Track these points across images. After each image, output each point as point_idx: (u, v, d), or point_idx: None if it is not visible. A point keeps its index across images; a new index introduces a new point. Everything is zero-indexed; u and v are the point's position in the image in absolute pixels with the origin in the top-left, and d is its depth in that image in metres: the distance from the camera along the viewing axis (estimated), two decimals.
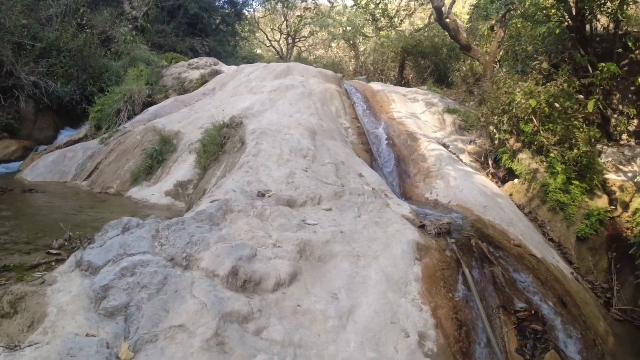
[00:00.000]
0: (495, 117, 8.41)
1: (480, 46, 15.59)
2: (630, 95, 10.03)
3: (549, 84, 8.19)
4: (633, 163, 8.84)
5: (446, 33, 17.93)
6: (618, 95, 10.48)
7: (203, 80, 11.86)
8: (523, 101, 8.06)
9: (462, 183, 7.23)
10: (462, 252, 4.71)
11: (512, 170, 8.46)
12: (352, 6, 19.96)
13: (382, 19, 19.39)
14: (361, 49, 20.06)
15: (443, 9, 14.15)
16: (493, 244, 5.42)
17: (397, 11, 19.82)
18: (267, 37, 28.31)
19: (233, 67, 13.06)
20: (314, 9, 22.17)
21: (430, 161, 7.83)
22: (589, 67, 9.38)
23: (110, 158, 7.86)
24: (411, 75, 18.55)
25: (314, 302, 3.35)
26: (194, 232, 3.56)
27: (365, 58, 19.02)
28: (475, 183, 7.35)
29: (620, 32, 10.76)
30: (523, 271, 5.13)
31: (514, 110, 8.08)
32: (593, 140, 8.16)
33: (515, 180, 8.56)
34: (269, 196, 4.63)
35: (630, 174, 8.53)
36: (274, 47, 28.39)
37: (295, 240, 3.79)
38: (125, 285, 2.98)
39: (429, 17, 20.12)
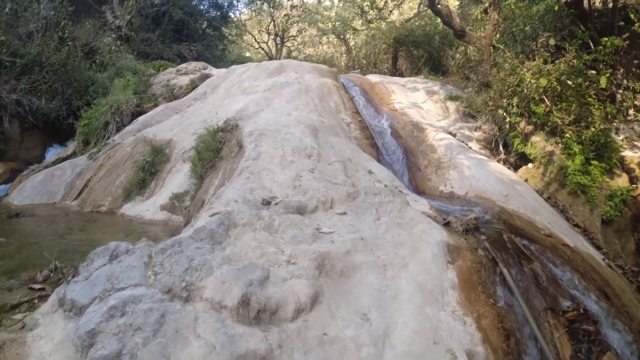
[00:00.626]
0: (505, 100, 7.85)
1: (474, 31, 15.06)
2: (634, 69, 9.50)
3: (557, 61, 7.64)
4: None
5: (438, 20, 17.42)
6: (622, 70, 9.90)
7: (193, 86, 11.27)
8: (533, 81, 7.50)
9: (478, 172, 6.68)
10: (496, 249, 4.15)
11: (525, 154, 7.92)
12: (339, 0, 19.44)
13: (371, 11, 18.85)
14: (352, 43, 19.50)
15: None
16: (524, 236, 4.87)
17: (385, 2, 19.27)
18: (255, 39, 27.70)
19: (223, 70, 12.49)
20: (300, 7, 21.58)
21: (440, 151, 7.28)
22: (591, 43, 8.87)
23: (100, 174, 7.26)
24: (405, 66, 17.97)
25: (342, 327, 2.79)
26: (193, 255, 2.98)
27: (357, 52, 18.44)
28: (490, 171, 6.80)
29: (619, 5, 10.26)
30: (561, 264, 4.58)
31: (525, 91, 7.52)
32: (610, 117, 7.62)
33: (529, 165, 8.02)
34: (276, 204, 4.06)
35: None
36: (263, 49, 27.77)
37: (311, 254, 3.22)
38: (116, 329, 2.41)
39: (419, 6, 19.58)
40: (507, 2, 13.40)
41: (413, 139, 7.66)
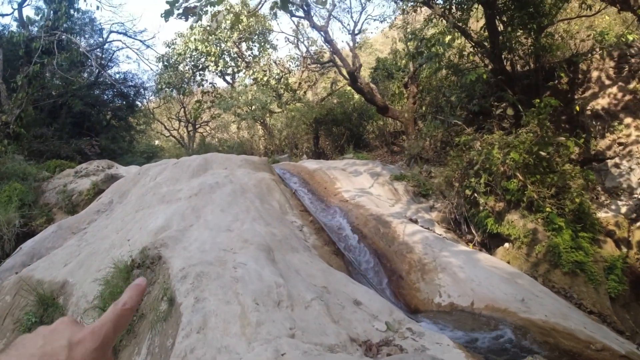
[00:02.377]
0: (472, 180, 6.71)
1: (393, 105, 14.58)
2: (563, 125, 9.14)
3: (520, 130, 6.74)
4: None
5: (355, 97, 16.91)
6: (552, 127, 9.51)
7: (96, 190, 8.98)
8: (499, 156, 6.48)
9: (473, 272, 5.24)
10: None
11: (498, 234, 6.76)
12: (251, 84, 18.38)
13: (286, 93, 17.97)
14: (270, 125, 18.33)
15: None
16: None
17: (299, 84, 18.57)
18: (165, 127, 25.66)
19: (133, 169, 10.33)
20: (212, 93, 20.18)
21: (418, 250, 5.78)
22: (519, 106, 8.32)
23: None
24: (326, 145, 16.99)
25: None
26: None
27: (280, 134, 17.20)
28: (486, 268, 5.39)
29: (537, 65, 10.13)
30: None
31: (494, 167, 6.44)
32: (590, 184, 6.76)
33: (506, 245, 6.83)
34: None
35: (613, 207, 7.27)
36: (174, 137, 25.74)
37: None
38: None
39: (331, 85, 19.11)
40: (435, 74, 13.09)
41: (381, 238, 6.12)
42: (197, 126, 24.32)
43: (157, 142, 28.03)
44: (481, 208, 6.80)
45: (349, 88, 18.03)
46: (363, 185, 8.38)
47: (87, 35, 17.47)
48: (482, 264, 5.46)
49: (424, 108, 12.42)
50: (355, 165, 9.29)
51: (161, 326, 3.26)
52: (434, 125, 11.21)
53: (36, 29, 11.90)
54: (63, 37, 11.47)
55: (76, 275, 5.09)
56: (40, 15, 11.46)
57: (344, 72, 14.85)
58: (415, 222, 7.24)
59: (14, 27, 13.09)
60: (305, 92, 18.95)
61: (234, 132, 23.82)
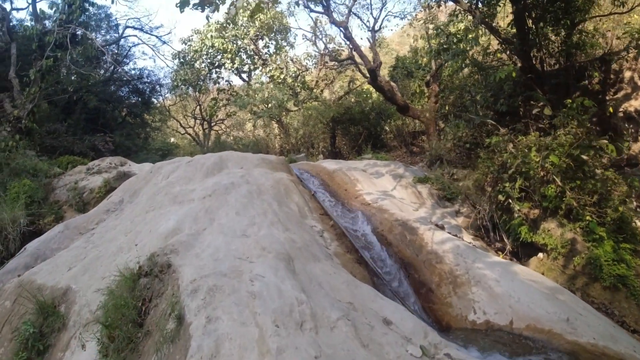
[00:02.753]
0: (507, 184, 6.19)
1: (413, 104, 14.06)
2: (594, 127, 8.52)
3: (559, 132, 6.20)
4: None
5: (374, 96, 16.41)
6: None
7: (108, 188, 8.64)
8: (537, 159, 5.96)
9: (511, 286, 4.74)
10: None
11: (532, 243, 6.22)
12: (268, 82, 18.00)
13: (302, 91, 17.53)
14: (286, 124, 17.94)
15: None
16: None
17: (316, 82, 18.13)
18: (180, 124, 25.44)
19: (147, 166, 9.99)
20: (228, 90, 19.85)
21: (448, 260, 5.30)
22: (548, 107, 7.74)
23: None
24: (343, 145, 16.52)
25: None
26: None
27: (296, 133, 16.78)
28: (524, 281, 4.89)
29: (569, 64, 9.55)
30: None
31: (532, 172, 5.92)
32: (634, 190, 6.19)
33: (541, 255, 6.29)
34: None
35: None
36: (189, 134, 25.50)
37: None
38: None
39: (349, 84, 18.63)
40: (445, 74, 12.55)
41: (408, 246, 5.65)
42: (212, 124, 24.03)
43: (172, 139, 27.86)
44: (515, 215, 6.27)
45: (366, 87, 17.56)
46: (385, 188, 7.91)
47: (103, 31, 17.28)
48: (520, 277, 4.96)
49: (447, 107, 11.87)
50: (377, 167, 8.82)
51: (167, 349, 2.85)
52: (460, 125, 10.68)
53: (50, 23, 11.66)
54: (78, 31, 11.21)
55: (80, 281, 4.72)
56: (54, 9, 11.22)
57: (363, 70, 14.40)
58: (442, 228, 6.75)
59: (28, 22, 12.94)
60: (322, 91, 18.51)
61: (249, 130, 23.48)
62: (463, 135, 10.58)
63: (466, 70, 12.17)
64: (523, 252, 6.57)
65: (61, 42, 10.56)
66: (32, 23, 11.67)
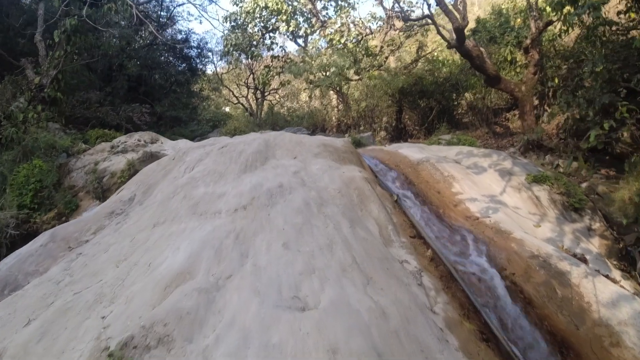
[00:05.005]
0: None
1: (504, 74, 11.20)
2: None
3: None
4: None
5: (445, 65, 13.58)
6: None
7: (132, 172, 6.78)
8: None
9: None
10: None
11: None
12: (326, 48, 15.54)
13: (365, 58, 14.92)
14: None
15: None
16: None
17: (381, 47, 15.41)
18: (233, 93, 23.59)
19: (181, 143, 8.07)
20: (282, 58, 17.60)
21: (630, 341, 2.91)
22: None
23: None
24: (411, 121, 13.90)
25: None
26: None
27: (357, 105, 14.34)
28: None
29: None
30: None
31: None
32: None
33: None
34: None
35: None
36: (242, 104, 23.63)
37: None
38: None
39: (417, 50, 15.77)
40: (545, 39, 9.54)
41: (560, 308, 3.27)
42: (265, 93, 21.95)
43: (226, 109, 26.20)
44: None
45: (437, 54, 14.74)
46: (491, 190, 5.47)
47: None
48: None
49: (556, 80, 8.99)
50: (473, 157, 6.34)
51: None
52: (575, 102, 7.85)
53: None
54: None
55: (31, 353, 2.78)
56: None
57: (444, 31, 11.61)
58: (584, 260, 4.31)
59: None
60: (386, 58, 15.84)
61: (304, 101, 21.22)
62: (579, 117, 7.74)
63: (573, 34, 9.17)
64: None
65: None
66: None
